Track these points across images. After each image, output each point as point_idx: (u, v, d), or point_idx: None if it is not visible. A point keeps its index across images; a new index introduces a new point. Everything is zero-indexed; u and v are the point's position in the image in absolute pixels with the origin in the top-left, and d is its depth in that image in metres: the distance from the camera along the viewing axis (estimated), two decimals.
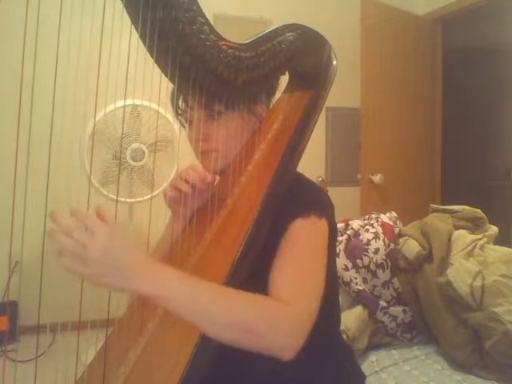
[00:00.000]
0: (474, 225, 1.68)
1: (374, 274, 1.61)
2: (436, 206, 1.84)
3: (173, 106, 0.93)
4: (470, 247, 1.54)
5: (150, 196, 2.31)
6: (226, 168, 0.89)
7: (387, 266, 1.61)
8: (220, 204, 0.85)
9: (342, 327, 1.47)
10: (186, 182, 0.83)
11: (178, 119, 0.95)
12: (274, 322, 0.67)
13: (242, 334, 0.65)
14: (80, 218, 0.60)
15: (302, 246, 0.77)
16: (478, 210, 1.72)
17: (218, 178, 0.93)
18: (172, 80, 0.76)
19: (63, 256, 0.59)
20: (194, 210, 0.87)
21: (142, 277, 0.61)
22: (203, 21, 0.74)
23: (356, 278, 1.61)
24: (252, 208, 0.79)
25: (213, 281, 0.69)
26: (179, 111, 0.92)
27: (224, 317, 0.65)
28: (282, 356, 0.66)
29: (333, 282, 0.83)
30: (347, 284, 1.61)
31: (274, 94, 0.98)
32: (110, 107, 2.16)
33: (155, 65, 0.75)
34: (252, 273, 0.74)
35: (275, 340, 0.66)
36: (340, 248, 1.67)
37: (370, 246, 1.62)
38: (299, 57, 0.92)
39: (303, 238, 0.77)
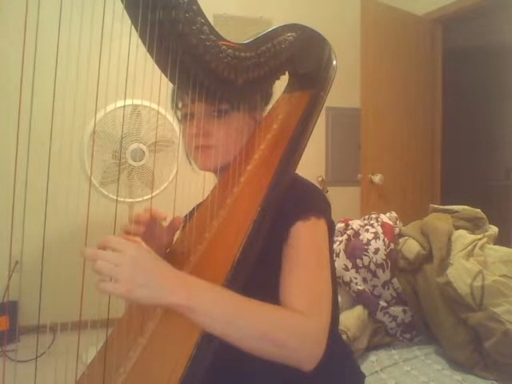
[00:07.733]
0: (474, 225, 1.68)
1: (374, 274, 1.61)
2: (436, 206, 1.84)
3: (173, 101, 0.93)
4: (470, 247, 1.54)
5: (149, 196, 2.31)
6: (223, 167, 0.89)
7: (387, 266, 1.61)
8: (220, 204, 0.85)
9: (342, 327, 1.47)
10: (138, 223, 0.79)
11: (176, 114, 0.94)
12: (298, 335, 0.68)
13: (269, 346, 0.66)
14: (105, 244, 0.63)
15: (306, 251, 0.77)
16: (478, 210, 1.71)
17: (215, 178, 0.93)
18: (172, 80, 0.76)
19: (100, 281, 0.62)
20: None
21: (176, 289, 0.63)
22: (203, 21, 0.74)
23: (356, 278, 1.61)
24: (252, 208, 0.78)
25: (213, 282, 0.69)
26: (179, 105, 0.92)
27: (253, 332, 0.66)
28: (306, 366, 0.68)
29: (332, 281, 0.83)
30: (347, 284, 1.61)
31: (268, 102, 0.98)
32: (110, 107, 2.16)
33: (155, 65, 0.75)
34: (253, 276, 0.73)
35: (300, 352, 0.68)
36: (340, 248, 1.67)
37: (369, 246, 1.62)
38: (299, 57, 0.92)
39: (306, 241, 0.77)
